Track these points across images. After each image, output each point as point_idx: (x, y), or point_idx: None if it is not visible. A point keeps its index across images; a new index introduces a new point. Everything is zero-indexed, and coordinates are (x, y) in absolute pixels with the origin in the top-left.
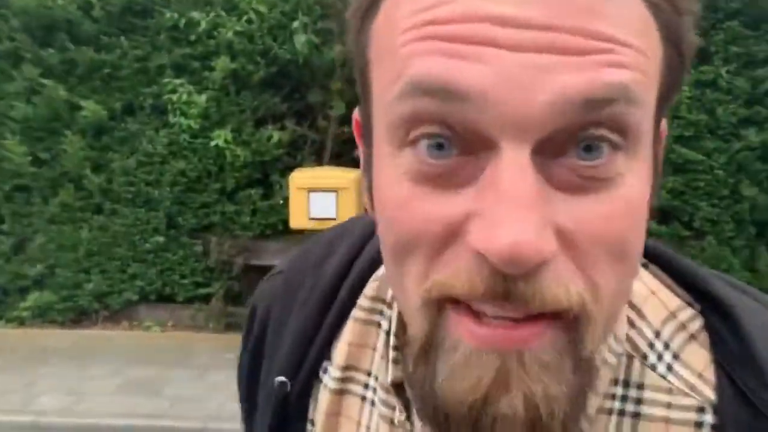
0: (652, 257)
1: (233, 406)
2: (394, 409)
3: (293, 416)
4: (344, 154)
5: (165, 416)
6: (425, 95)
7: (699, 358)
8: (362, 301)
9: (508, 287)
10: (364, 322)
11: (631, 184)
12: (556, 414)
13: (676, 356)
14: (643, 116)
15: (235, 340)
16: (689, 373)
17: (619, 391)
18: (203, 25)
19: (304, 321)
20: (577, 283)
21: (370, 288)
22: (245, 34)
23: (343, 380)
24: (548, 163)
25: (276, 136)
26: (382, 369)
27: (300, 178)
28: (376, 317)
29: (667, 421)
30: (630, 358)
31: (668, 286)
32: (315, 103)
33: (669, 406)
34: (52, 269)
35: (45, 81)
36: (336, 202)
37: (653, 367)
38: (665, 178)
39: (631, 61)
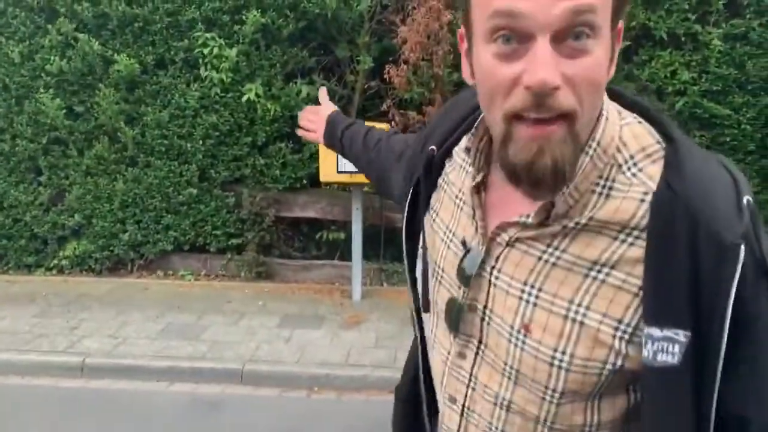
0: (644, 112)
1: (268, 349)
2: (472, 210)
3: (435, 172)
4: (371, 108)
5: (205, 359)
6: (501, 16)
7: (653, 171)
8: (458, 151)
9: (542, 100)
10: (459, 167)
11: (597, 55)
12: (565, 162)
13: (640, 170)
14: (603, 20)
15: (267, 288)
16: (645, 177)
17: (601, 182)
18: None
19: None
20: (571, 99)
21: (463, 141)
22: None
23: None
24: (558, 45)
25: (305, 90)
26: (467, 186)
27: None
28: (464, 165)
29: (624, 197)
30: (611, 166)
31: (649, 132)
32: (343, 58)
33: (628, 190)
34: (89, 220)
35: (79, 35)
36: None
37: (623, 173)
38: (692, 133)
39: None
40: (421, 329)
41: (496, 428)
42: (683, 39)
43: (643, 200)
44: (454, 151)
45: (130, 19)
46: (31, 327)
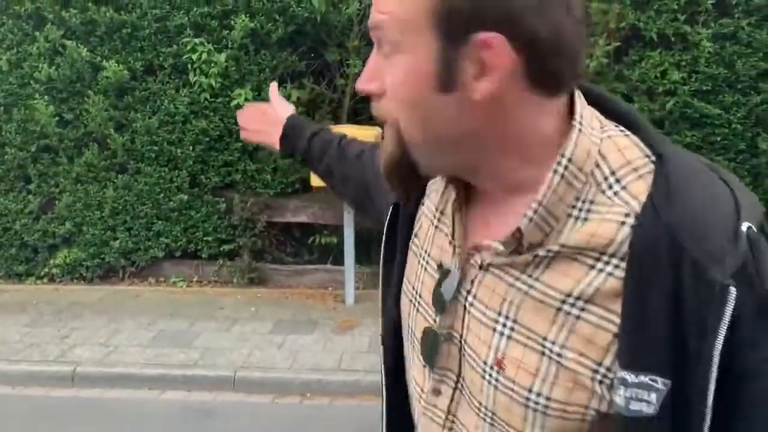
0: (630, 124)
1: (261, 355)
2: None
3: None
4: (362, 112)
5: (197, 366)
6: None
7: (639, 188)
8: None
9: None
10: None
11: (397, 71)
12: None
13: (623, 187)
14: (400, 33)
15: (259, 293)
16: (628, 196)
17: (578, 204)
18: None
19: None
20: (390, 108)
21: None
22: None
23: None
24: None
25: (295, 94)
26: (449, 200)
27: None
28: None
29: (602, 219)
30: (590, 185)
31: (636, 145)
32: (332, 62)
33: (606, 212)
34: (80, 227)
35: (67, 42)
36: None
37: (603, 192)
38: (682, 133)
39: (387, 10)
40: (387, 381)
41: None
42: (673, 39)
43: (623, 222)
44: None
45: (118, 26)
46: (21, 336)
